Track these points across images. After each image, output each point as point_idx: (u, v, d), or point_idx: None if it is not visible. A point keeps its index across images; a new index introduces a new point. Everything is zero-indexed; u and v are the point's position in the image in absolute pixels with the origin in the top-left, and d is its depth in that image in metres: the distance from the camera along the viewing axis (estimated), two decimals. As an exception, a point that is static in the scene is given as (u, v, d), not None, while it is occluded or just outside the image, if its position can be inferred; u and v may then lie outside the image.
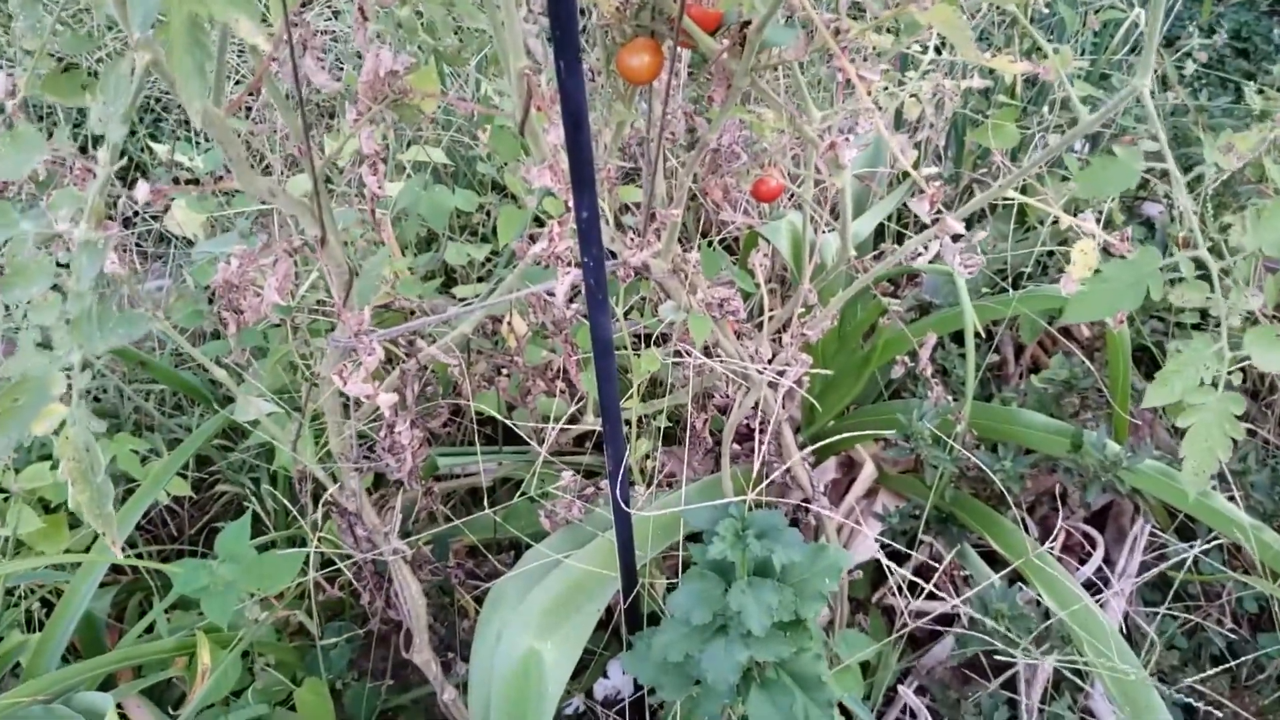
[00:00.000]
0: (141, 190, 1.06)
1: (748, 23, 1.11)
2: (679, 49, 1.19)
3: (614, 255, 1.29)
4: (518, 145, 1.26)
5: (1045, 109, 1.74)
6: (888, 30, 1.24)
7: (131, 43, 0.66)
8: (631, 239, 1.25)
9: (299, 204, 1.14)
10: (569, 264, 1.18)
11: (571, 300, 1.59)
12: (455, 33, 1.24)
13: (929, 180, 0.97)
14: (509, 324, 1.66)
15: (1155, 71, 1.88)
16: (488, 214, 1.86)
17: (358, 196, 1.79)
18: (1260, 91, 1.80)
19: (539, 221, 1.52)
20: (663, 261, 1.29)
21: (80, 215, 0.79)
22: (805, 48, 1.04)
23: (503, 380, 1.72)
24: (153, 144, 2.00)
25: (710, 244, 1.81)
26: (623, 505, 1.16)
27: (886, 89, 1.48)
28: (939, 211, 0.98)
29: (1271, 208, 0.82)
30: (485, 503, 1.72)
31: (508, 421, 1.49)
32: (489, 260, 1.84)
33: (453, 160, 1.98)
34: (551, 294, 1.31)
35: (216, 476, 1.97)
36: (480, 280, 1.83)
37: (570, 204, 0.93)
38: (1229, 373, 0.86)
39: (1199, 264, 0.86)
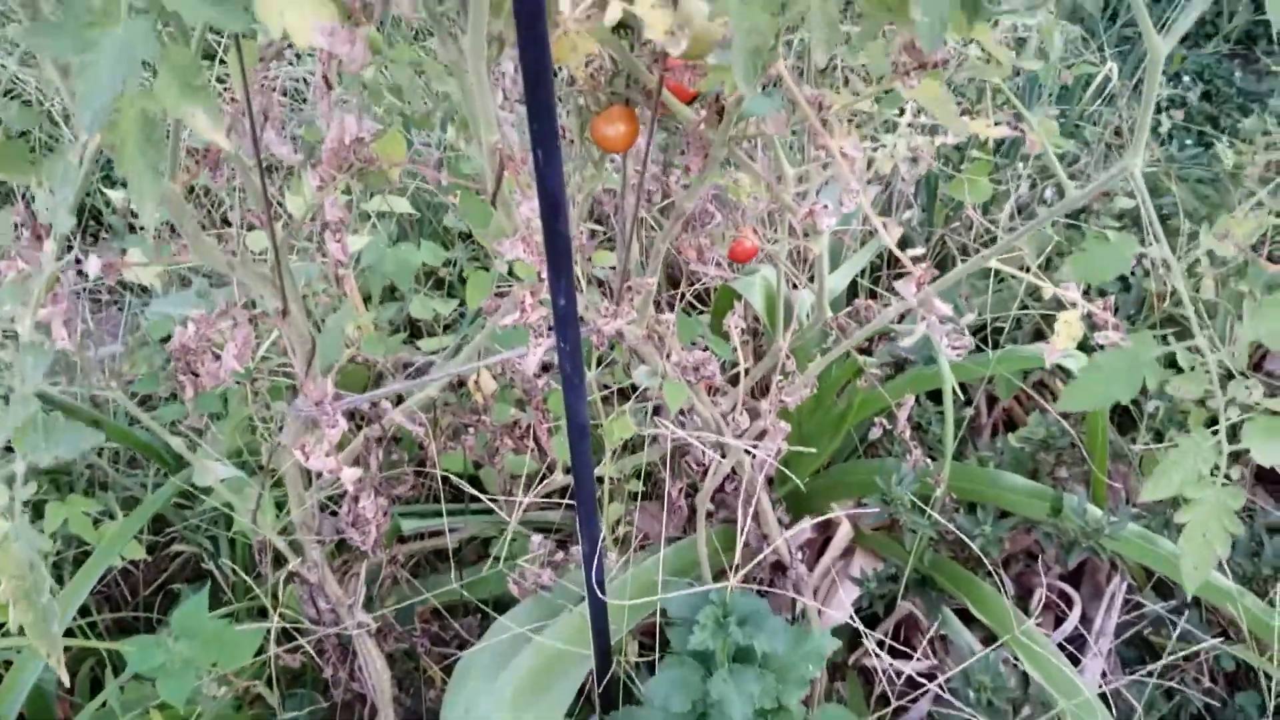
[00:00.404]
0: (92, 265, 1.01)
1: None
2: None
3: (584, 321, 1.25)
4: (487, 211, 1.22)
5: (1019, 163, 1.72)
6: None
7: (83, 128, 0.61)
8: (606, 307, 1.21)
9: (259, 276, 1.09)
10: (540, 334, 1.15)
11: (545, 369, 1.55)
12: (422, 97, 1.20)
13: (914, 261, 0.94)
14: (476, 382, 1.61)
15: (1126, 124, 1.88)
16: (454, 264, 1.81)
17: (319, 251, 1.74)
18: (1231, 145, 1.80)
19: (510, 273, 1.48)
20: (638, 328, 1.26)
21: (25, 310, 0.74)
22: (786, 121, 1.01)
23: (469, 438, 1.68)
24: (107, 190, 1.94)
25: (684, 300, 1.78)
26: (598, 593, 1.12)
27: (864, 145, 1.45)
28: (926, 292, 0.95)
29: (1270, 299, 0.80)
30: (452, 566, 1.67)
31: (473, 491, 1.44)
32: (456, 312, 1.79)
33: (418, 208, 1.94)
34: (523, 358, 1.27)
35: (173, 536, 1.90)
36: (446, 330, 1.79)
37: (548, 289, 0.89)
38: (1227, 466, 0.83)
39: (1196, 351, 0.84)
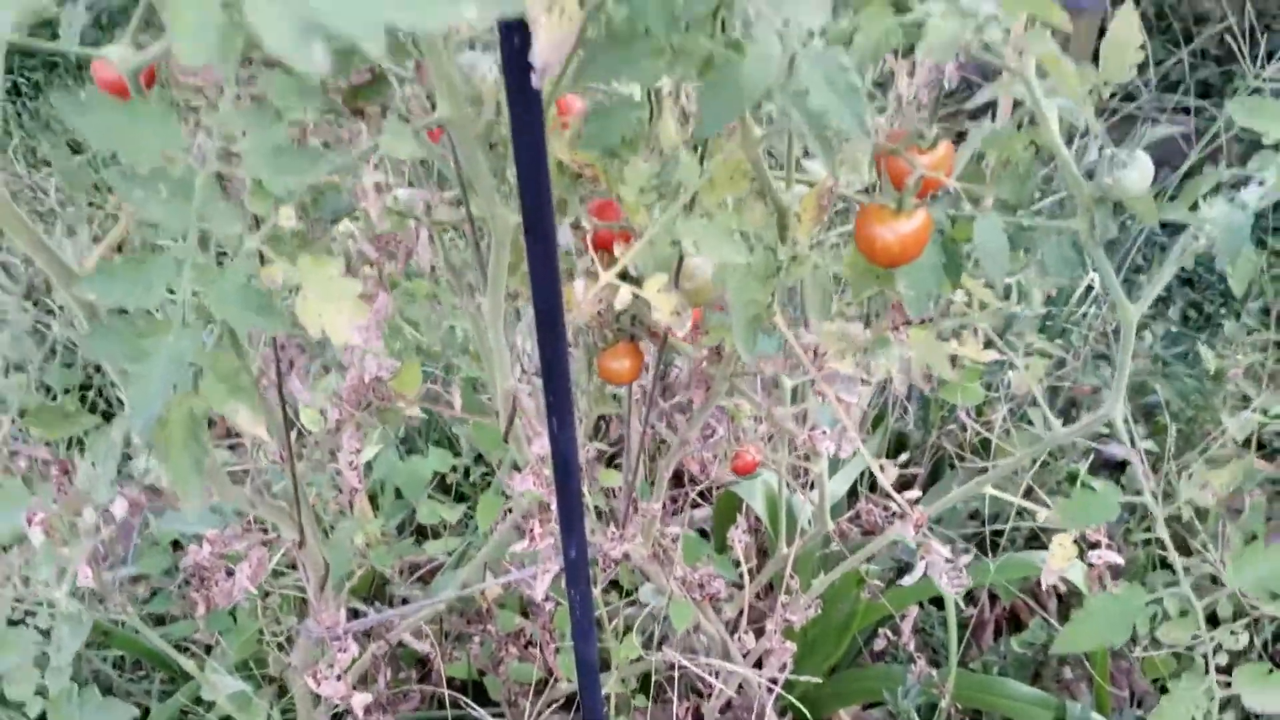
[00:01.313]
0: (119, 507, 1.05)
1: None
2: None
3: (590, 542, 1.28)
4: (499, 437, 1.27)
5: (1008, 370, 1.78)
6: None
7: (135, 438, 0.66)
8: (612, 531, 1.24)
9: (279, 511, 1.13)
10: (549, 559, 1.18)
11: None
12: (436, 327, 1.27)
13: (912, 505, 0.98)
14: (483, 593, 1.63)
15: (1111, 326, 1.95)
16: (456, 470, 1.85)
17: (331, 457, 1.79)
18: (1212, 347, 1.87)
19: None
20: (643, 548, 1.29)
21: (61, 578, 0.77)
22: (785, 364, 1.07)
23: (474, 646, 1.68)
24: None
25: (687, 499, 1.81)
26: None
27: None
28: (925, 534, 0.99)
29: (1249, 552, 0.83)
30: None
31: (477, 707, 1.44)
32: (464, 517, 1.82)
33: (425, 410, 1.99)
34: (532, 581, 1.30)
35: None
36: (453, 532, 1.81)
37: (559, 535, 0.93)
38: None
39: (1185, 602, 0.87)
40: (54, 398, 1.02)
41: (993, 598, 1.95)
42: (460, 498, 1.88)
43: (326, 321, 0.68)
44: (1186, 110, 3.23)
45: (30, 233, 0.69)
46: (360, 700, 1.20)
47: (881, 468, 1.00)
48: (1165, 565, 1.83)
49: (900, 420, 1.95)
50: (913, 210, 0.76)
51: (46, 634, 0.74)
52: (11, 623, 0.75)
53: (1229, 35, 2.97)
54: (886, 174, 0.79)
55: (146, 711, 1.84)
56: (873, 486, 1.98)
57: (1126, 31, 0.79)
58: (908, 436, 2.00)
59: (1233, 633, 0.85)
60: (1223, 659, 0.86)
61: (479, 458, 1.82)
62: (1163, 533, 0.86)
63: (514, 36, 0.59)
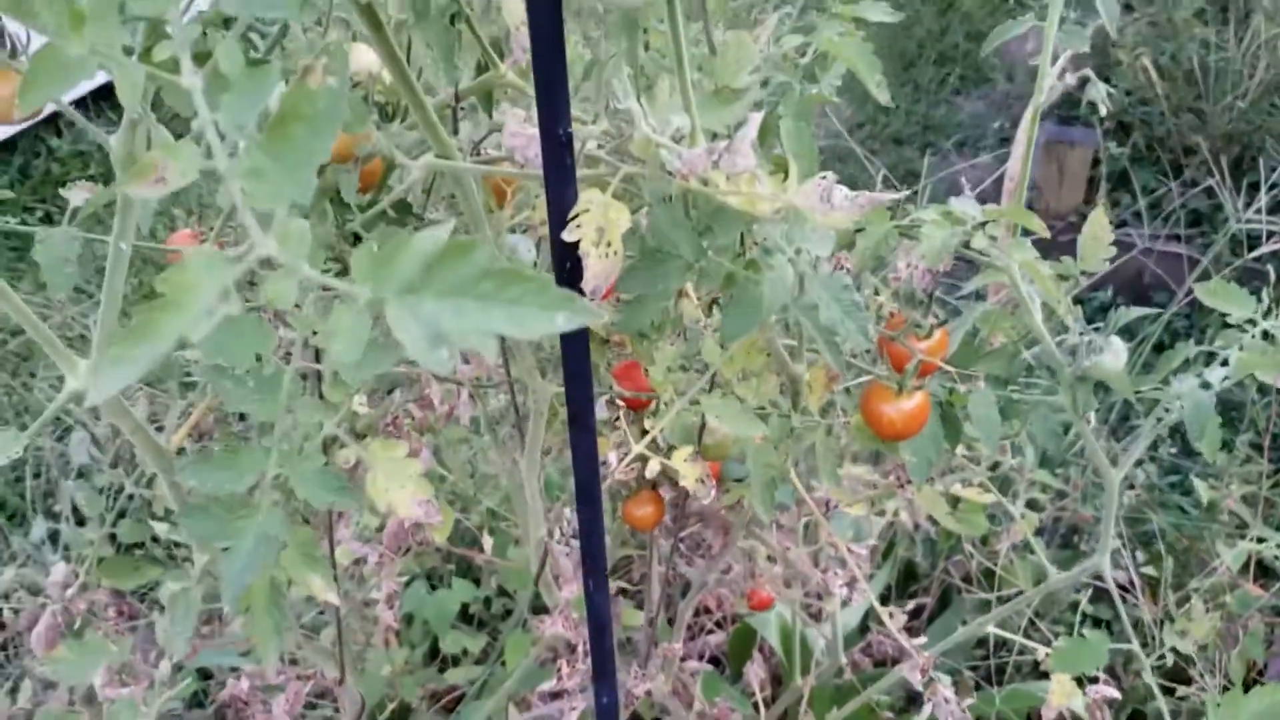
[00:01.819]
0: (178, 648, 1.12)
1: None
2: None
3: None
4: (527, 578, 1.35)
5: (1010, 499, 1.86)
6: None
7: (226, 603, 0.74)
8: (635, 669, 1.31)
9: (324, 652, 1.20)
10: (574, 696, 1.24)
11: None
12: (471, 476, 1.35)
13: (918, 650, 1.05)
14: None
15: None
16: (479, 600, 1.92)
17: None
18: (1205, 479, 1.94)
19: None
20: (664, 685, 1.35)
21: (140, 726, 0.84)
22: (798, 515, 1.15)
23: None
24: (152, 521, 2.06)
25: (704, 631, 1.87)
26: None
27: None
28: (931, 675, 1.06)
29: (1229, 699, 0.90)
30: None
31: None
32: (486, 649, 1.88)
33: (451, 542, 2.06)
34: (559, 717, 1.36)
35: None
36: (477, 663, 1.87)
37: (591, 685, 1.00)
38: None
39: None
40: (121, 551, 1.10)
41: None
42: (481, 626, 1.94)
43: (393, 498, 0.77)
44: (1178, 238, 3.36)
45: (132, 419, 0.78)
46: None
47: (890, 614, 1.07)
48: (1167, 691, 1.88)
49: (909, 549, 2.01)
50: (913, 390, 0.85)
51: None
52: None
53: (1213, 169, 3.11)
54: (887, 356, 0.88)
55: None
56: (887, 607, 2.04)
57: (1100, 229, 0.89)
58: (916, 565, 2.07)
59: (1219, 776, 0.91)
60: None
61: (501, 590, 1.89)
62: (1150, 680, 0.93)
63: (566, 262, 0.68)
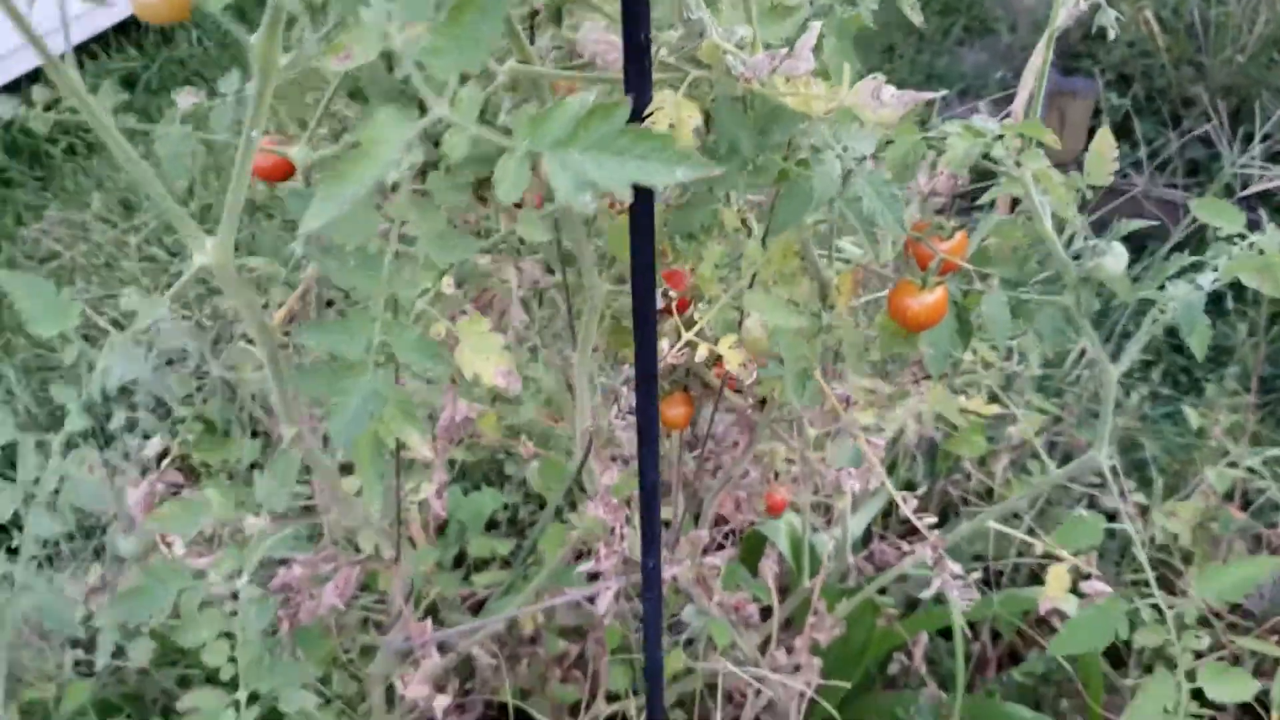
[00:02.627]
0: (264, 522, 1.22)
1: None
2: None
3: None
4: (562, 477, 1.45)
5: (1009, 426, 1.97)
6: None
7: (337, 450, 0.84)
8: (665, 555, 1.42)
9: (383, 532, 1.31)
10: (609, 579, 1.36)
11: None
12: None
13: (930, 529, 1.16)
14: (532, 619, 1.80)
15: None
16: (506, 508, 2.03)
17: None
18: (1195, 407, 2.06)
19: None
20: (690, 572, 1.46)
21: (241, 572, 0.95)
22: (820, 413, 1.25)
23: (521, 667, 1.85)
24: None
25: (715, 544, 1.98)
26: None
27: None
28: (940, 556, 1.17)
29: (1211, 568, 1.01)
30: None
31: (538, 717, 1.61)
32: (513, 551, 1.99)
33: (471, 453, 2.17)
34: (591, 601, 1.47)
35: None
36: (503, 567, 1.98)
37: (639, 553, 1.11)
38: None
39: (1158, 608, 1.05)
40: (211, 429, 1.20)
41: (994, 636, 2.11)
42: (508, 532, 2.06)
43: (479, 367, 0.87)
44: (1175, 186, 3.45)
45: (247, 293, 0.88)
46: (441, 701, 1.37)
47: (904, 499, 1.18)
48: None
49: (910, 470, 2.13)
50: (934, 286, 0.96)
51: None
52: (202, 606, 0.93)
53: (1212, 119, 3.20)
54: (913, 256, 0.98)
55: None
56: (884, 531, 2.16)
57: (1105, 147, 0.99)
58: (916, 485, 2.19)
59: (1197, 636, 1.03)
60: (1188, 660, 1.03)
61: (527, 497, 2.00)
62: (1141, 555, 1.04)
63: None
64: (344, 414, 0.81)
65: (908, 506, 1.17)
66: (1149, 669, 1.90)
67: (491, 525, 2.14)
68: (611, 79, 0.80)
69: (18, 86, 3.72)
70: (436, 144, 0.91)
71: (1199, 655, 1.04)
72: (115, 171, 3.67)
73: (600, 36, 0.77)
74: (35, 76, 3.81)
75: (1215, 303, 3.16)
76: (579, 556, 1.89)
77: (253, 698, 0.90)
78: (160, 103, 4.28)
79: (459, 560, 2.09)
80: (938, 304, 0.95)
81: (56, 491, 0.78)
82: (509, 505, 2.00)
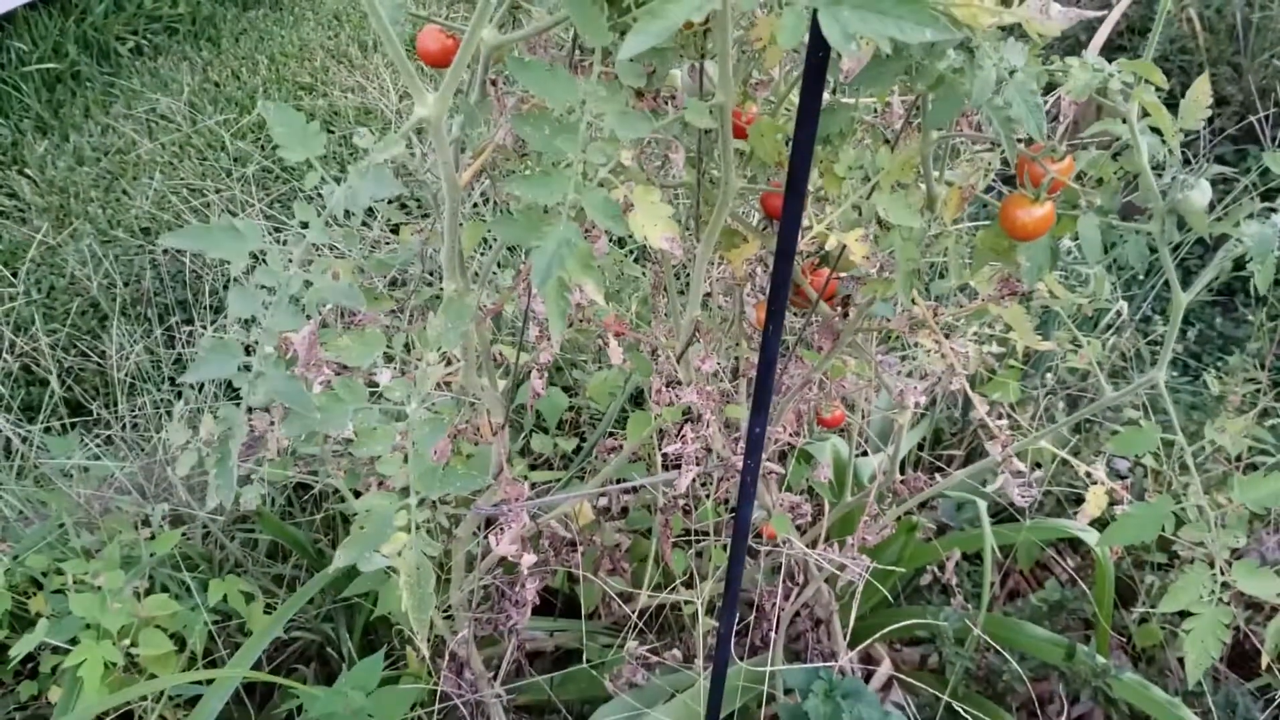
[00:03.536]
0: (432, 358, 1.35)
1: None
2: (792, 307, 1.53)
3: (721, 459, 1.59)
4: (650, 369, 1.59)
5: (1046, 373, 2.11)
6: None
7: (537, 287, 0.96)
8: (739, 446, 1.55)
9: (496, 400, 1.44)
10: (691, 463, 1.49)
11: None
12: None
13: (1000, 428, 1.30)
14: (581, 509, 1.94)
15: (1134, 351, 2.28)
16: (572, 409, 2.16)
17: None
18: (1218, 378, 2.20)
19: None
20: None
21: (412, 398, 1.08)
22: (906, 322, 1.38)
23: (576, 555, 1.99)
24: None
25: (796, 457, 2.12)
26: (725, 667, 1.42)
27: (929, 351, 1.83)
28: (1008, 455, 1.31)
29: (1252, 478, 1.15)
30: (549, 670, 1.95)
31: (606, 587, 1.75)
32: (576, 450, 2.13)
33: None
34: (669, 485, 1.61)
35: (293, 622, 2.17)
36: (564, 467, 2.12)
37: (744, 422, 1.24)
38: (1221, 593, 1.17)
39: (1199, 509, 1.19)
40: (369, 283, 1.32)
41: (1004, 575, 2.26)
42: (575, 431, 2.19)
43: (648, 231, 1.00)
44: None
45: (447, 146, 1.00)
46: (528, 559, 1.51)
47: (980, 401, 1.31)
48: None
49: (946, 412, 2.27)
50: (1044, 201, 1.08)
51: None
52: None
53: (1247, 116, 3.32)
54: (1028, 175, 1.11)
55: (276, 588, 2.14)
56: (916, 465, 2.30)
57: (1201, 94, 1.11)
58: (942, 431, 2.33)
59: (1235, 536, 1.16)
60: (1225, 555, 1.17)
61: (588, 406, 2.13)
62: (1189, 459, 1.17)
63: (818, 50, 0.90)
64: (544, 255, 0.93)
65: (982, 407, 1.30)
66: (1154, 606, 2.05)
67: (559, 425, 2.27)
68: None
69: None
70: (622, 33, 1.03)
71: (1236, 555, 1.18)
72: (181, 76, 3.76)
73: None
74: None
75: (1228, 293, 3.27)
76: (636, 459, 2.03)
77: (420, 503, 1.02)
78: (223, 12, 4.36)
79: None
80: (1046, 216, 1.08)
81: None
82: (572, 406, 2.13)
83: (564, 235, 0.94)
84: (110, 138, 3.49)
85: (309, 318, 0.91)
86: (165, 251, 2.96)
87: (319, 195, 0.94)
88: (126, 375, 2.39)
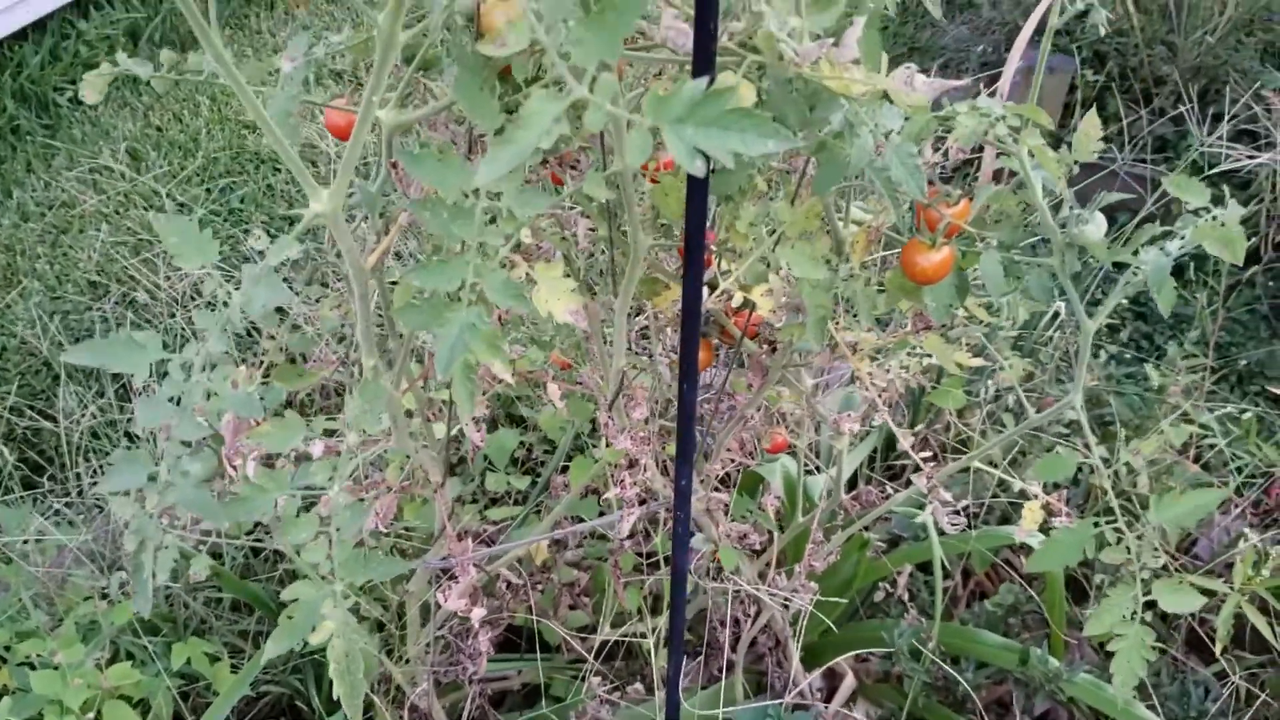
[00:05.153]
0: (353, 440, 1.36)
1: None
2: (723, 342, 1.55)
3: (656, 497, 1.61)
4: (590, 413, 1.60)
5: (988, 380, 2.14)
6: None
7: (440, 374, 0.98)
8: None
9: (431, 459, 1.45)
10: (632, 506, 1.50)
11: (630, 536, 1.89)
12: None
13: (925, 461, 1.32)
14: (538, 548, 1.95)
15: (1073, 348, 2.30)
16: (523, 446, 2.18)
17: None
18: (1157, 367, 2.23)
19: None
20: (700, 504, 1.62)
21: (335, 480, 1.09)
22: (829, 356, 1.41)
23: (535, 594, 2.01)
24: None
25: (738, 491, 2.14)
26: (676, 708, 1.44)
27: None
28: (934, 486, 1.33)
29: (1167, 497, 1.18)
30: (517, 707, 1.97)
31: (559, 630, 1.76)
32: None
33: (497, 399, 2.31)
34: (610, 530, 1.63)
35: (261, 677, 2.18)
36: (517, 503, 2.13)
37: (671, 476, 1.25)
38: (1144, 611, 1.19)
39: (1119, 531, 1.21)
40: (292, 360, 1.33)
41: (965, 575, 2.29)
42: (528, 471, 2.20)
43: (552, 307, 1.01)
44: (1144, 161, 3.62)
45: (349, 237, 1.02)
46: (478, 613, 1.52)
47: (903, 435, 1.34)
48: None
49: (898, 420, 2.29)
50: (941, 245, 1.11)
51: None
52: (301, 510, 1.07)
53: (1182, 98, 3.36)
54: (924, 219, 1.13)
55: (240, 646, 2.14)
56: (870, 478, 2.33)
57: (1091, 127, 1.13)
58: (896, 439, 2.35)
59: (1155, 556, 1.19)
60: (1145, 575, 1.20)
61: (543, 438, 2.14)
62: (1105, 482, 1.20)
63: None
64: (447, 342, 0.95)
65: (906, 441, 1.32)
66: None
67: (514, 463, 2.28)
68: (680, 60, 0.94)
69: (24, 35, 3.78)
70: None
71: (1156, 575, 1.20)
72: (121, 123, 3.75)
73: (672, 23, 0.90)
74: (40, 25, 3.87)
75: (1178, 274, 3.34)
76: (587, 493, 2.05)
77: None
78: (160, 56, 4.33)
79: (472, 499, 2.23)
80: (945, 260, 1.10)
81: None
82: (524, 443, 2.14)
83: (466, 320, 0.95)
84: (54, 191, 3.47)
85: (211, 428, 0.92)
86: (115, 303, 2.96)
87: (224, 305, 0.95)
88: (80, 438, 2.38)
